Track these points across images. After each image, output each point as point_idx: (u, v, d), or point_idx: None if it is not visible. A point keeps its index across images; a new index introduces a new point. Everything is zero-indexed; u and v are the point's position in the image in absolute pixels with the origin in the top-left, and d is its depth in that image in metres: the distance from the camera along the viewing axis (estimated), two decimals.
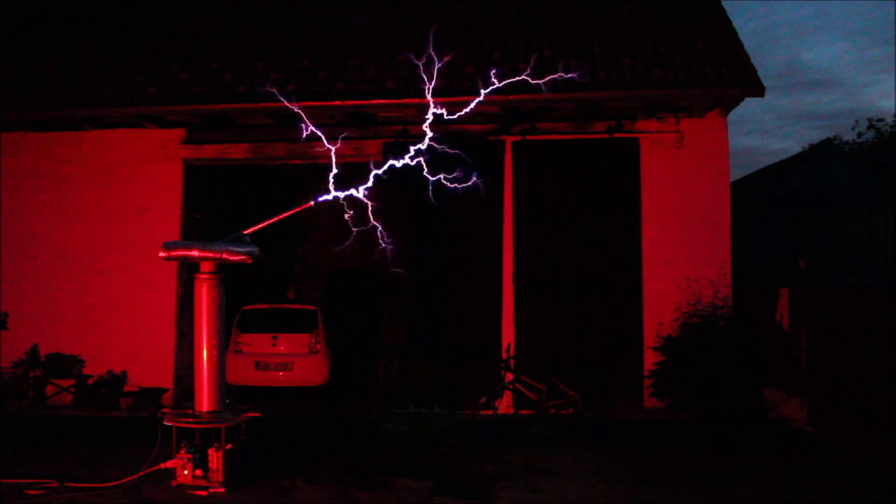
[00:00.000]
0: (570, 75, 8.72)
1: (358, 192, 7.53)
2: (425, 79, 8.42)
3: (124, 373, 11.45)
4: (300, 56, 11.49)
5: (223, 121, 11.39)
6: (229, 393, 7.71)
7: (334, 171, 7.53)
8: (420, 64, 8.64)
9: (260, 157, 11.78)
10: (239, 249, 7.20)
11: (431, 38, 12.06)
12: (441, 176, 8.17)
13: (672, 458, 8.22)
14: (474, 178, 8.48)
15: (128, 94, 11.05)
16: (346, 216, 7.72)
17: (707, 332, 10.24)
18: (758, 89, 10.00)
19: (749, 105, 67.81)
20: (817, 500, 6.85)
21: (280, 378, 11.58)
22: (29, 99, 11.22)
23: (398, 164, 7.80)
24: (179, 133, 11.77)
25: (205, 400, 7.12)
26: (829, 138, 22.39)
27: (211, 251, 7.15)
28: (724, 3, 12.02)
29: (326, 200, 7.45)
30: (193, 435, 7.04)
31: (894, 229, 15.45)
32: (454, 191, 8.51)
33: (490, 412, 10.53)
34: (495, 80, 8.57)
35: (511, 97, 10.32)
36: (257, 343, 11.74)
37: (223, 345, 7.40)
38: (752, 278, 12.88)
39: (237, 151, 11.75)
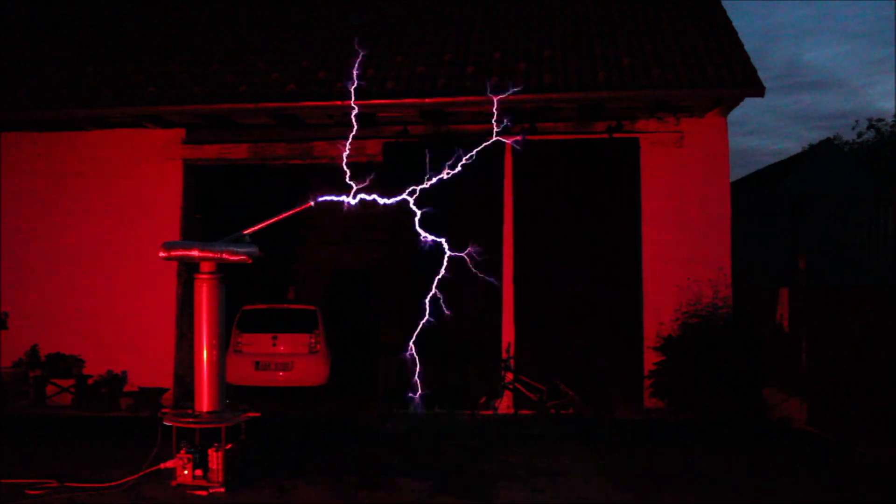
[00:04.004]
0: None
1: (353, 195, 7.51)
2: (425, 78, 8.42)
3: (124, 373, 11.46)
4: (300, 56, 11.49)
5: (223, 121, 11.39)
6: (229, 393, 7.72)
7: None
8: (420, 64, 8.65)
9: (260, 157, 11.78)
10: (239, 249, 7.20)
11: (431, 38, 12.08)
12: (441, 176, 8.17)
13: (672, 458, 8.22)
14: (474, 179, 8.49)
15: (128, 94, 11.05)
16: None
17: (707, 333, 10.25)
18: (758, 89, 9.99)
19: (749, 105, 67.66)
20: (817, 500, 6.85)
21: (280, 378, 11.57)
22: (29, 99, 11.22)
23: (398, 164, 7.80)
24: (179, 133, 11.77)
25: (205, 400, 7.11)
26: (829, 138, 22.34)
27: (211, 251, 7.14)
28: (724, 3, 12.02)
29: (326, 201, 7.44)
30: (193, 435, 7.04)
31: (894, 229, 15.44)
32: (454, 191, 8.50)
33: (490, 412, 10.53)
34: (495, 80, 8.59)
35: (511, 97, 10.32)
36: (257, 343, 11.74)
37: (223, 345, 7.40)
38: (752, 278, 12.87)
39: (237, 151, 11.75)
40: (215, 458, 6.85)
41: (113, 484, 6.94)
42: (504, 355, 10.90)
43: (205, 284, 7.22)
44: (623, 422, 10.18)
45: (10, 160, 12.05)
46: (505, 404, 10.71)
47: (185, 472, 6.83)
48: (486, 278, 11.42)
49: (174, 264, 11.40)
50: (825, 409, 9.32)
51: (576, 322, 11.04)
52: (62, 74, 11.59)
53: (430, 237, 11.49)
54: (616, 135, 11.12)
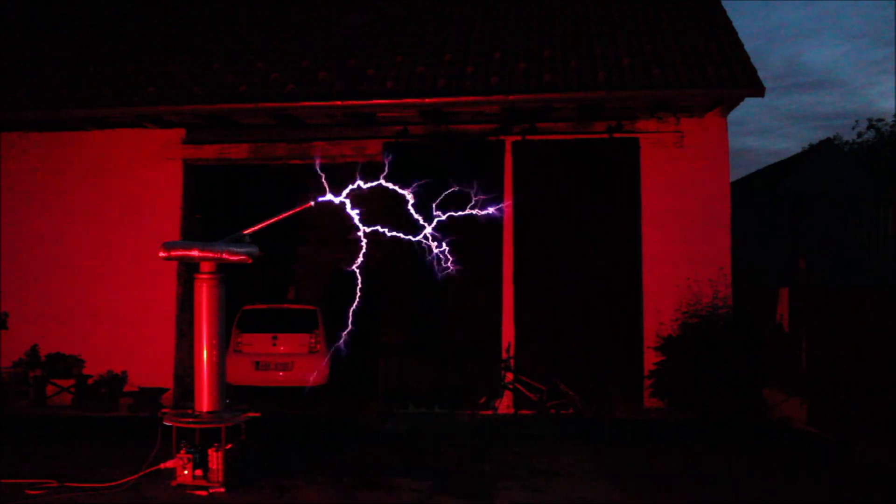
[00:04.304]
0: None
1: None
2: (425, 78, 8.41)
3: (124, 373, 11.46)
4: (300, 56, 11.49)
5: (223, 121, 11.39)
6: (229, 393, 7.71)
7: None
8: (420, 64, 8.64)
9: (260, 157, 11.79)
10: (239, 249, 7.20)
11: (431, 38, 12.08)
12: (441, 176, 8.17)
13: (672, 457, 8.22)
14: (474, 178, 8.51)
15: (128, 94, 11.05)
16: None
17: (707, 332, 10.24)
18: (758, 89, 9.99)
19: (749, 105, 67.78)
20: (817, 500, 6.85)
21: (280, 378, 11.57)
22: (29, 99, 11.22)
23: (398, 164, 7.80)
24: (179, 133, 11.77)
25: (205, 400, 7.11)
26: (829, 138, 22.35)
27: (211, 251, 7.14)
28: (724, 3, 12.02)
29: (326, 201, 7.45)
30: (193, 435, 7.04)
31: (894, 229, 15.46)
32: (454, 190, 8.51)
33: (490, 412, 10.53)
34: (495, 80, 8.56)
35: (511, 97, 10.33)
36: (257, 343, 11.74)
37: (223, 345, 7.39)
38: (752, 278, 12.87)
39: (237, 151, 11.75)
40: (215, 458, 6.85)
41: (113, 484, 6.94)
42: (504, 355, 10.90)
43: (205, 284, 7.22)
44: (623, 422, 10.18)
45: (10, 160, 12.04)
46: (505, 404, 10.71)
47: (185, 472, 6.83)
48: (486, 278, 11.45)
49: (174, 264, 11.40)
50: (825, 409, 9.32)
51: (576, 322, 11.04)
52: (62, 74, 11.59)
53: (430, 236, 11.50)
54: (616, 135, 11.12)
